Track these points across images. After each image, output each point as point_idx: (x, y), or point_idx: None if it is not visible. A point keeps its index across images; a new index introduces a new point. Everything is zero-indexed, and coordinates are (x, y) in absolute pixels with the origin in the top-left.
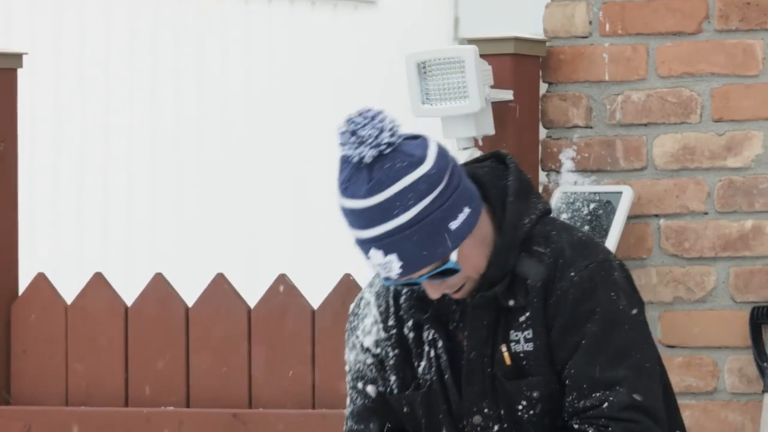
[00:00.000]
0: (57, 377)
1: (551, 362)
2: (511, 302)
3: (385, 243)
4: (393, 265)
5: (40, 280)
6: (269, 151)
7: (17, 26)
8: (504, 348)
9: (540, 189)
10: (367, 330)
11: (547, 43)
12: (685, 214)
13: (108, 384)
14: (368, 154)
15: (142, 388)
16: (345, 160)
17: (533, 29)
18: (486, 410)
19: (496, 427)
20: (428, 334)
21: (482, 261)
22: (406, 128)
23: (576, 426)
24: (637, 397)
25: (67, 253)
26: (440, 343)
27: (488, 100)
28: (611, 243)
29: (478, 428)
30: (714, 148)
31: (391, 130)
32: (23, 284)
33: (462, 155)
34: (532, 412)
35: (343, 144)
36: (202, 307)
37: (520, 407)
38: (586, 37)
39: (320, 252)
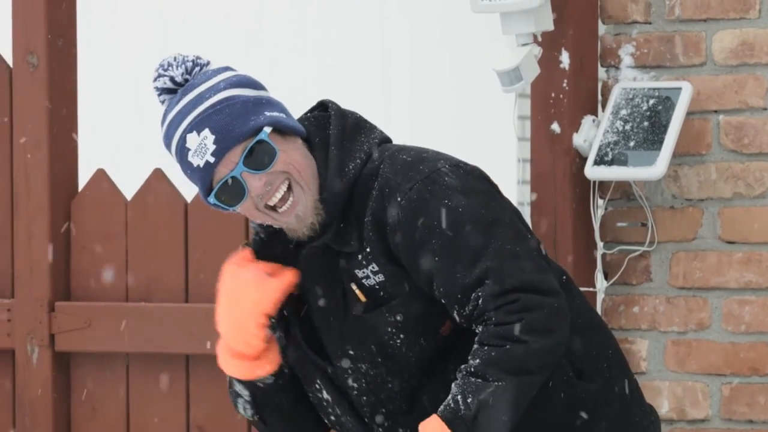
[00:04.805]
0: (117, 273)
1: (408, 286)
2: (345, 248)
3: (197, 122)
4: (207, 141)
5: (100, 176)
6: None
7: None
8: (354, 286)
9: (599, 85)
10: None
11: None
12: (744, 110)
13: (168, 280)
14: (177, 73)
15: (203, 284)
16: (161, 94)
17: None
18: (351, 352)
19: (364, 367)
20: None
21: (307, 167)
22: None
23: (478, 330)
24: (508, 280)
25: (127, 150)
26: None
27: None
28: (670, 139)
29: (349, 371)
30: None
31: (193, 60)
32: (83, 181)
33: (521, 51)
34: (402, 336)
35: (156, 86)
36: None
37: (386, 336)
38: None
39: None
